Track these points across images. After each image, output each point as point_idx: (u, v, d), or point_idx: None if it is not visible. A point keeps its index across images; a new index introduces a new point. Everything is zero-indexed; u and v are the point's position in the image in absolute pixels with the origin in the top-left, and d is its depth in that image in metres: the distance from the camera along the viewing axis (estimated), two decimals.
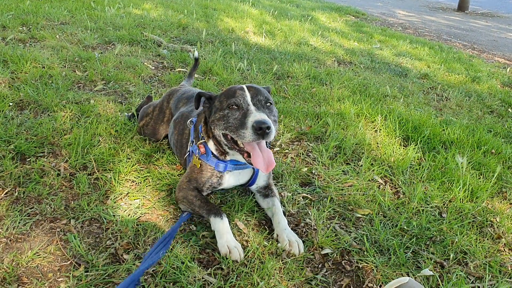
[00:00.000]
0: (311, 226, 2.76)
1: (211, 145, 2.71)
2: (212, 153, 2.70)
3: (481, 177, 3.64)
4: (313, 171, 3.42)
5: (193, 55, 4.34)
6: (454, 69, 7.78)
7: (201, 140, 2.74)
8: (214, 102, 2.62)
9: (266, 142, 2.49)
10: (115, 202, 2.72)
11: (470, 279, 2.49)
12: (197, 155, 2.73)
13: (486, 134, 4.59)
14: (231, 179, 2.76)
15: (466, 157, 3.77)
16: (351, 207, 3.02)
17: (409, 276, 2.37)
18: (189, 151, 2.88)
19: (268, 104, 2.54)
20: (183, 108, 3.25)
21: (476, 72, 7.67)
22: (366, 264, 2.47)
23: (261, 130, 2.29)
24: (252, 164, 2.43)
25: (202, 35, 7.04)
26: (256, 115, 2.36)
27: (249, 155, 2.44)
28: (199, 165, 2.71)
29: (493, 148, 4.22)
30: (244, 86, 2.56)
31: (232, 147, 2.54)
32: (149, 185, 2.94)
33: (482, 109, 5.74)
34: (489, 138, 4.40)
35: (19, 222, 2.42)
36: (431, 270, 2.45)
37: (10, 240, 2.30)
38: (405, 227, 2.84)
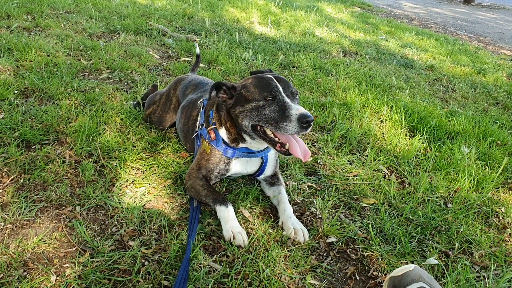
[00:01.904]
0: (316, 215, 2.76)
1: (222, 132, 2.70)
2: (223, 140, 2.69)
3: (487, 168, 3.63)
4: (318, 161, 3.41)
5: (196, 51, 4.32)
6: (460, 61, 7.75)
7: (212, 126, 2.74)
8: (240, 92, 2.57)
9: None
10: (120, 190, 2.72)
11: (475, 269, 2.48)
12: (207, 140, 2.73)
13: (492, 125, 4.57)
14: (238, 166, 2.76)
15: (472, 147, 3.76)
16: (356, 196, 3.01)
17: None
18: (196, 132, 2.87)
19: (297, 96, 2.56)
20: (192, 95, 3.24)
21: (482, 64, 7.64)
22: (371, 252, 2.47)
23: (307, 124, 2.31)
24: (288, 154, 2.44)
25: (207, 25, 7.01)
26: (298, 108, 2.36)
27: (282, 146, 2.45)
28: (209, 150, 2.71)
29: (498, 139, 4.20)
30: (271, 76, 2.55)
31: (262, 138, 2.53)
32: (155, 173, 2.94)
33: (488, 100, 5.72)
34: (495, 130, 4.38)
35: (24, 209, 2.43)
36: (436, 259, 2.44)
37: (15, 226, 2.31)
38: (410, 217, 2.83)
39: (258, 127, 2.50)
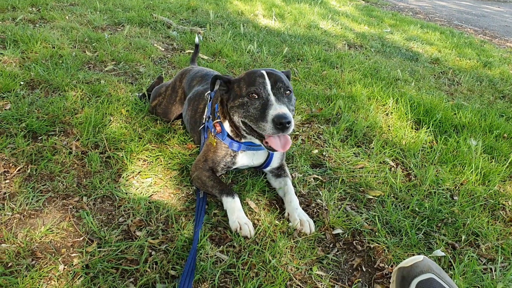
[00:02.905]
0: (322, 206, 2.76)
1: (226, 126, 2.70)
2: (227, 134, 2.69)
3: (493, 160, 3.62)
4: (324, 153, 3.41)
5: (195, 40, 4.31)
6: (465, 54, 7.71)
7: (217, 119, 2.73)
8: (233, 86, 2.58)
9: None
10: (127, 180, 2.72)
11: (482, 261, 2.48)
12: (213, 133, 2.72)
13: (498, 118, 4.55)
14: (244, 158, 2.75)
15: (478, 140, 3.75)
16: (362, 188, 3.01)
17: None
18: (203, 124, 2.87)
19: (288, 92, 2.50)
20: (198, 87, 3.23)
21: (488, 57, 7.60)
22: (377, 244, 2.47)
23: (281, 125, 2.27)
24: (270, 149, 2.42)
25: (211, 18, 6.99)
26: (276, 108, 2.32)
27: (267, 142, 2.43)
28: (215, 143, 2.70)
29: (505, 132, 4.18)
30: (264, 72, 2.51)
31: (251, 133, 2.52)
32: (161, 164, 2.94)
33: (494, 94, 5.69)
34: (501, 123, 4.37)
35: (31, 199, 2.43)
36: (443, 251, 2.44)
37: (23, 216, 2.31)
38: (416, 209, 2.83)
39: (248, 124, 2.49)
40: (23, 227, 2.24)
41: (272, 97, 2.39)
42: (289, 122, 2.27)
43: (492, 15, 14.51)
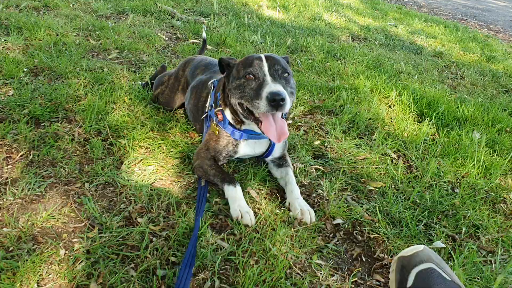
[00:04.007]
0: (323, 196, 2.76)
1: (227, 113, 2.70)
2: (229, 122, 2.69)
3: (495, 154, 3.61)
4: (326, 144, 3.41)
5: (202, 35, 4.31)
6: (469, 48, 7.69)
7: (219, 107, 2.73)
8: (232, 70, 2.60)
9: (282, 113, 2.47)
10: (129, 168, 2.73)
11: (481, 253, 2.48)
12: (215, 121, 2.72)
13: (501, 112, 4.54)
14: (246, 148, 2.75)
15: (482, 134, 3.74)
16: (364, 179, 3.01)
17: None
18: (206, 113, 2.87)
19: (286, 74, 2.49)
20: (202, 75, 3.23)
21: (492, 52, 7.58)
22: (377, 235, 2.47)
23: (275, 102, 2.26)
24: (264, 134, 2.42)
25: (215, 8, 6.97)
26: (271, 86, 2.32)
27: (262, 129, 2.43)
28: (217, 132, 2.71)
29: (507, 126, 4.17)
30: (262, 55, 2.51)
31: (248, 117, 2.52)
32: (163, 152, 2.94)
33: (497, 88, 5.67)
34: (504, 117, 4.36)
35: (33, 184, 2.44)
36: (443, 243, 2.45)
37: (25, 201, 2.32)
38: (417, 201, 2.83)
39: (244, 106, 2.49)
40: (24, 212, 2.25)
41: (268, 78, 2.39)
42: (283, 99, 2.25)
43: (497, 10, 14.44)
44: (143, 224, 2.26)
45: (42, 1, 5.82)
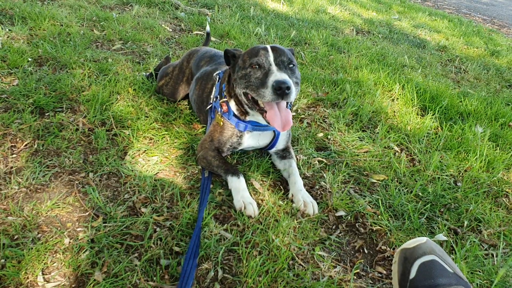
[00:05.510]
0: (326, 189, 2.77)
1: (232, 104, 2.71)
2: (233, 113, 2.70)
3: (498, 148, 3.62)
4: (329, 137, 3.41)
5: (206, 28, 4.31)
6: (473, 43, 7.67)
7: (224, 98, 2.74)
8: (237, 60, 2.61)
9: (286, 103, 2.48)
10: (133, 158, 2.74)
11: (483, 246, 2.49)
12: (220, 112, 2.73)
13: (504, 107, 4.54)
14: (250, 139, 2.76)
15: (485, 128, 3.74)
16: (366, 172, 3.02)
17: None
18: (211, 104, 2.88)
19: (291, 65, 2.51)
20: (206, 67, 3.23)
21: (496, 46, 7.56)
22: (380, 227, 2.48)
23: (280, 90, 2.27)
24: (269, 123, 2.42)
25: None
26: (277, 75, 2.33)
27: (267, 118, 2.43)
28: (222, 123, 2.71)
29: (510, 120, 4.17)
30: (268, 46, 2.53)
31: (253, 107, 2.53)
32: (167, 143, 2.95)
33: (501, 82, 5.67)
34: (507, 111, 4.36)
35: (38, 173, 2.45)
36: (445, 236, 2.46)
37: (29, 190, 2.33)
38: (420, 194, 2.84)
39: (249, 96, 2.50)
40: (29, 201, 2.26)
41: (274, 67, 2.41)
42: (288, 88, 2.27)
43: (501, 4, 14.37)
44: (147, 214, 2.28)
45: None
